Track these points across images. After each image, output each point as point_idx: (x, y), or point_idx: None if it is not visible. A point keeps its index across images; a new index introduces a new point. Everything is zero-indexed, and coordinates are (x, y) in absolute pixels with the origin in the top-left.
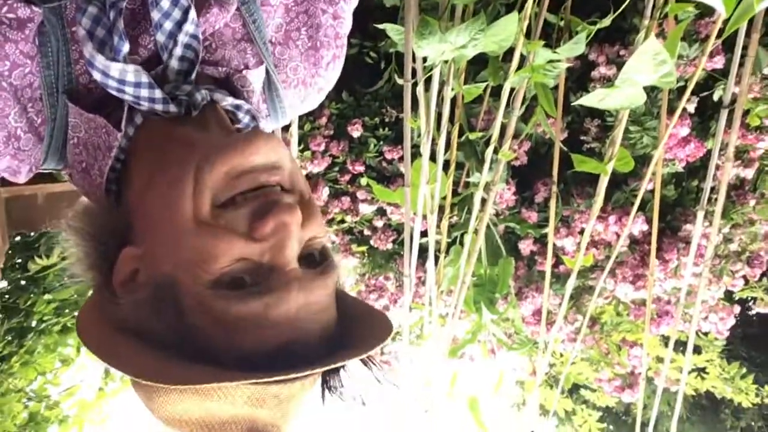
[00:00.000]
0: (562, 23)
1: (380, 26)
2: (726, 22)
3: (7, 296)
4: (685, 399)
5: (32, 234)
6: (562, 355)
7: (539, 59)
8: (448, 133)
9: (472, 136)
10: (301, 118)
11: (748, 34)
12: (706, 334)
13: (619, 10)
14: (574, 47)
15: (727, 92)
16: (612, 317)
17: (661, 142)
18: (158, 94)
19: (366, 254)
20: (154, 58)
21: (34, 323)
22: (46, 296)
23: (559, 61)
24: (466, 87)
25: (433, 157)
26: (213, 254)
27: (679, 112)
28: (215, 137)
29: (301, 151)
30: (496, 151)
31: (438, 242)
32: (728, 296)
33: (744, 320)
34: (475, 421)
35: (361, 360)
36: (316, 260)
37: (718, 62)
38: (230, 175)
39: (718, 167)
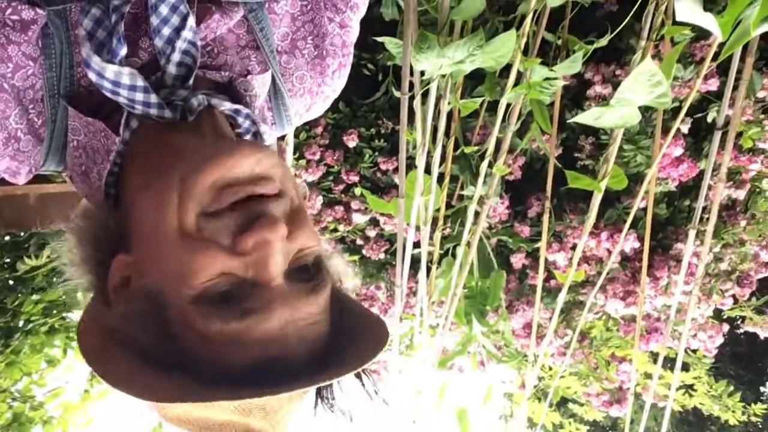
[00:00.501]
0: (559, 42)
1: (379, 39)
2: (721, 45)
3: None
4: (672, 415)
5: (22, 234)
6: (551, 369)
7: (536, 76)
8: (444, 146)
9: (468, 149)
10: (297, 126)
11: (742, 58)
12: (694, 351)
13: (616, 31)
14: (571, 65)
15: (721, 114)
16: (602, 332)
17: (654, 161)
18: (153, 98)
19: (357, 263)
20: (154, 63)
21: (21, 323)
22: (34, 296)
23: (555, 78)
24: (462, 101)
25: (427, 170)
26: (195, 268)
27: (673, 132)
28: (203, 147)
29: (297, 159)
30: (490, 166)
31: (430, 253)
32: (717, 314)
33: (732, 339)
34: None
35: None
36: (309, 272)
37: (713, 84)
38: (215, 187)
39: (710, 187)
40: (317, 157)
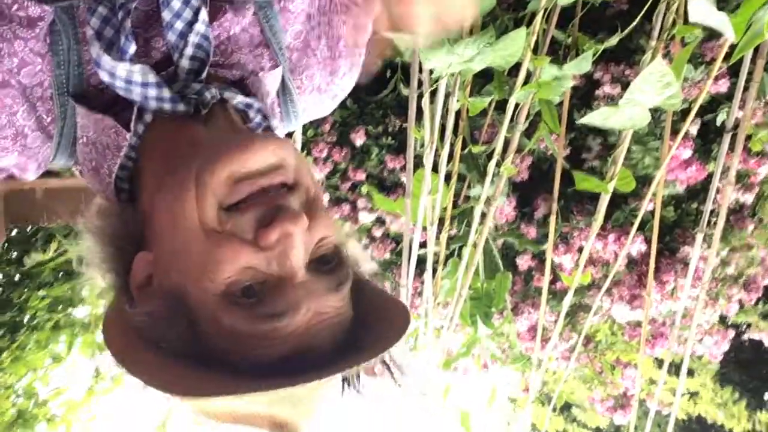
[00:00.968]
0: (569, 40)
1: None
2: (732, 46)
3: (1, 290)
4: (675, 423)
5: (29, 228)
6: (555, 373)
7: (545, 75)
8: (451, 145)
9: (475, 149)
10: (304, 124)
11: (753, 60)
12: (699, 357)
13: (627, 30)
14: (581, 65)
15: (730, 116)
16: (607, 336)
17: (663, 163)
18: (166, 93)
19: None
20: (167, 60)
21: (26, 319)
22: (40, 292)
23: (564, 78)
24: (471, 100)
25: (435, 168)
26: (218, 263)
27: (682, 134)
28: (217, 140)
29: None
30: (498, 165)
31: (436, 254)
32: (722, 320)
33: (736, 346)
34: None
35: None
36: (329, 261)
37: (723, 86)
38: (231, 180)
39: (718, 191)
40: (324, 154)
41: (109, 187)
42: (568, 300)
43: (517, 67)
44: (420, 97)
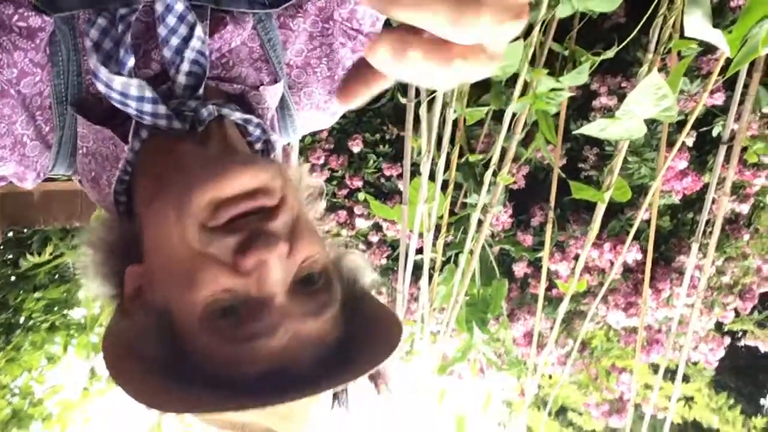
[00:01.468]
0: (566, 52)
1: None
2: (728, 59)
3: None
4: (671, 427)
5: (25, 231)
6: (551, 378)
7: (542, 87)
8: (448, 154)
9: (472, 158)
10: None
11: (749, 74)
12: (695, 363)
13: (624, 43)
14: (577, 76)
15: (726, 128)
16: (602, 342)
17: (659, 173)
18: (162, 109)
19: None
20: (167, 72)
21: (22, 320)
22: (36, 294)
23: (561, 89)
24: (468, 110)
25: (432, 177)
26: (198, 283)
27: (678, 145)
28: (200, 165)
29: (301, 163)
30: (494, 174)
31: (432, 260)
32: (718, 327)
33: (732, 352)
34: None
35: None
36: (314, 281)
37: (719, 99)
38: (212, 205)
39: (714, 201)
40: (321, 161)
41: (108, 198)
42: (564, 307)
43: (514, 77)
44: (417, 105)
